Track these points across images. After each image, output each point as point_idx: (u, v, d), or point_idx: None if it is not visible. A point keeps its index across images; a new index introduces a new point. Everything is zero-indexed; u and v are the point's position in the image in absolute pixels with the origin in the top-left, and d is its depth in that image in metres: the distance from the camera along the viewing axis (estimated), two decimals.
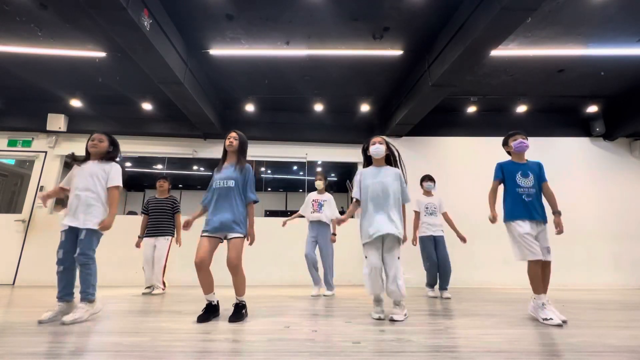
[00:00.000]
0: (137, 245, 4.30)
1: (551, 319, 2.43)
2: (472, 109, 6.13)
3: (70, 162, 2.61)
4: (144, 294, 4.08)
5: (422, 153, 6.07)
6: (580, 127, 6.29)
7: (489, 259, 5.43)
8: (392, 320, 2.49)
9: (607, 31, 4.10)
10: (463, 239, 4.14)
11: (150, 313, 2.86)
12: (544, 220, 2.69)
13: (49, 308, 2.50)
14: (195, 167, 9.50)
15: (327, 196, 4.31)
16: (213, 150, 6.28)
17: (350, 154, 6.31)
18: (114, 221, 2.61)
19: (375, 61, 4.78)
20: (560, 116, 6.29)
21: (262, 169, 8.78)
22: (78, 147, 6.04)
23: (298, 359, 1.65)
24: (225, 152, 2.79)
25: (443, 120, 6.19)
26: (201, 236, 2.55)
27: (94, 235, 2.53)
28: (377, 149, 2.76)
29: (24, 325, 2.30)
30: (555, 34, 4.13)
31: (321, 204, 4.22)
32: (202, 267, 2.47)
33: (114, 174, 2.66)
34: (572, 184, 5.93)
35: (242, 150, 2.77)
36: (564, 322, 2.46)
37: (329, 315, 2.83)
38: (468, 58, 3.83)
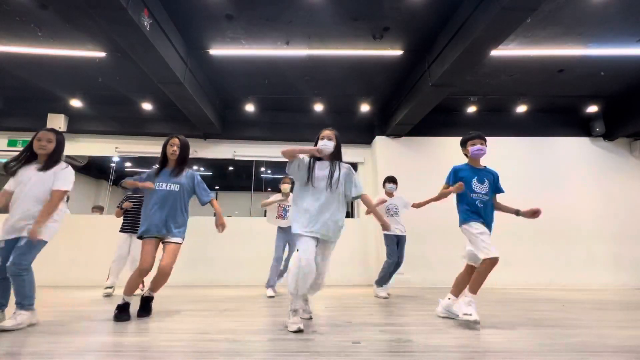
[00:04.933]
0: (117, 215, 4.04)
1: (471, 314, 2.40)
2: (472, 109, 6.13)
3: (10, 169, 2.29)
4: (107, 295, 3.75)
5: (422, 153, 6.06)
6: (580, 127, 6.28)
7: None
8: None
9: (607, 31, 4.09)
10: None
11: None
12: (491, 227, 2.70)
13: (47, 307, 2.47)
14: (195, 167, 9.51)
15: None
16: (213, 150, 6.28)
17: (350, 153, 6.30)
18: (40, 230, 2.18)
19: (375, 61, 4.78)
20: (560, 116, 6.28)
21: (262, 169, 8.82)
22: (78, 147, 6.06)
23: (298, 359, 1.65)
24: (165, 157, 2.72)
25: (443, 120, 6.18)
26: (142, 238, 2.59)
27: (38, 244, 2.22)
28: (325, 145, 2.43)
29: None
30: (555, 34, 4.13)
31: (285, 210, 4.09)
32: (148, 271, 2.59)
33: (62, 175, 2.30)
34: (572, 184, 5.93)
35: (183, 158, 2.74)
36: None
37: (329, 315, 2.83)
38: (468, 58, 3.83)
